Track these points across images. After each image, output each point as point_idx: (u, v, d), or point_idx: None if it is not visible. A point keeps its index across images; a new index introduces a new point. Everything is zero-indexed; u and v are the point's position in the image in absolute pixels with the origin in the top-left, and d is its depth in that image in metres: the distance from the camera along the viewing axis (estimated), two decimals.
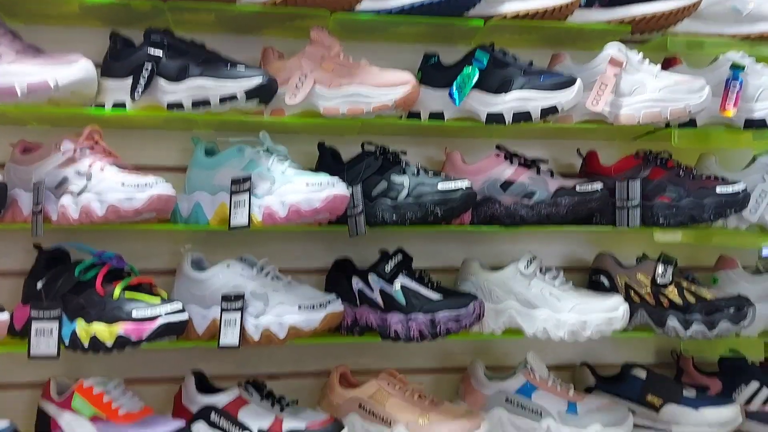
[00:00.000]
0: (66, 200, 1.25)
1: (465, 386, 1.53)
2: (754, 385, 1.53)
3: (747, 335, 1.52)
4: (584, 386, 1.56)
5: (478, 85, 1.43)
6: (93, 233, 1.38)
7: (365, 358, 1.56)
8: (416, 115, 1.47)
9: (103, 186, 1.23)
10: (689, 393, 1.48)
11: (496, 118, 1.42)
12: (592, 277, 1.58)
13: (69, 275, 1.25)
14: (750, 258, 1.69)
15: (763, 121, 1.51)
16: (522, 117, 1.41)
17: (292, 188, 1.28)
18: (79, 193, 1.24)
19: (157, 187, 1.23)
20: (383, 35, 1.55)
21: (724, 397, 1.49)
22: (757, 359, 1.56)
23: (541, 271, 1.48)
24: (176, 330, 1.22)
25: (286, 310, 1.30)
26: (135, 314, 1.19)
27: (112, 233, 1.42)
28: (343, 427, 1.30)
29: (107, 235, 1.41)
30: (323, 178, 1.29)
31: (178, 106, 1.32)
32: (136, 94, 1.31)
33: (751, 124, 1.52)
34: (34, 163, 1.30)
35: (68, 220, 1.24)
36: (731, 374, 1.56)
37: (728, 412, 1.44)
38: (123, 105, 1.34)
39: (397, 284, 1.39)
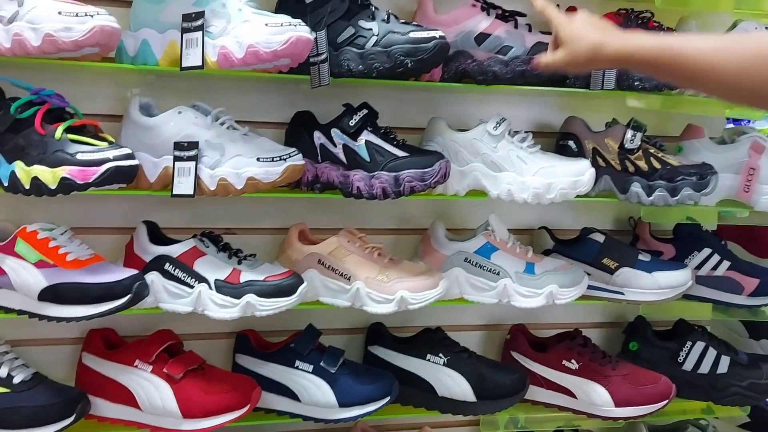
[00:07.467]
0: None
1: (424, 246, 1.52)
2: (706, 251, 1.57)
3: (705, 204, 1.53)
4: (542, 249, 1.58)
5: None
6: (29, 71, 1.25)
7: (324, 217, 1.52)
8: None
9: (36, 13, 1.10)
10: (644, 257, 1.51)
11: None
12: (559, 142, 1.55)
13: (5, 113, 1.15)
14: (717, 128, 1.68)
15: None
16: None
17: (250, 28, 1.18)
18: (10, 21, 1.11)
19: (99, 17, 1.11)
20: None
21: (677, 262, 1.53)
22: (711, 227, 1.60)
23: (509, 133, 1.44)
24: (125, 176, 1.14)
25: (244, 162, 1.23)
26: (81, 157, 1.11)
27: (51, 72, 1.29)
28: (302, 281, 1.29)
29: (46, 74, 1.28)
30: (285, 18, 1.19)
31: None
32: None
33: None
34: None
35: None
36: (685, 241, 1.60)
37: (680, 276, 1.48)
38: None
39: (362, 140, 1.33)
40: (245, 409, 1.29)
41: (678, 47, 0.93)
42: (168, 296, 1.27)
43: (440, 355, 1.47)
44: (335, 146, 1.35)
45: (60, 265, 1.16)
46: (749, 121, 1.90)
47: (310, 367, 1.38)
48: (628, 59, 1.00)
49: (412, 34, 1.26)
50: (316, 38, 1.27)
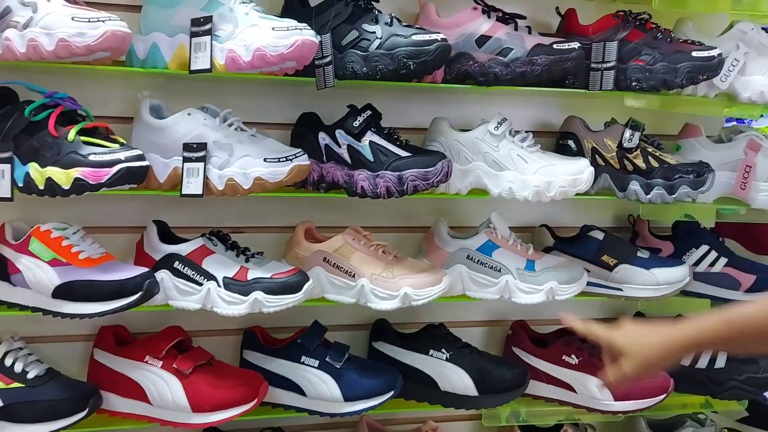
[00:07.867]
0: (10, 33, 1.14)
1: (428, 244, 1.55)
2: (704, 248, 1.60)
3: (703, 201, 1.56)
4: (543, 246, 1.61)
5: None
6: (42, 75, 1.29)
7: (329, 216, 1.55)
8: None
9: (50, 19, 1.13)
10: (642, 254, 1.54)
11: None
12: (559, 141, 1.58)
13: (19, 115, 1.18)
14: (714, 127, 1.71)
15: None
16: None
17: (257, 32, 1.21)
18: (25, 26, 1.14)
19: (111, 23, 1.14)
20: None
21: (675, 259, 1.56)
22: (709, 224, 1.62)
23: (510, 133, 1.46)
24: (136, 177, 1.18)
25: (251, 162, 1.26)
26: (93, 158, 1.14)
27: (63, 76, 1.33)
28: (308, 279, 1.32)
29: (58, 78, 1.32)
30: (290, 22, 1.22)
31: None
32: None
33: None
34: None
35: (14, 54, 1.14)
36: (684, 238, 1.62)
37: (677, 273, 1.51)
38: None
39: (366, 140, 1.36)
40: (253, 404, 1.32)
41: (742, 317, 0.96)
42: (177, 293, 1.30)
43: (443, 350, 1.50)
44: (340, 147, 1.38)
45: (73, 264, 1.20)
46: (750, 121, 1.92)
47: (316, 363, 1.41)
48: (702, 346, 1.05)
49: (414, 37, 1.29)
50: (321, 41, 1.30)
